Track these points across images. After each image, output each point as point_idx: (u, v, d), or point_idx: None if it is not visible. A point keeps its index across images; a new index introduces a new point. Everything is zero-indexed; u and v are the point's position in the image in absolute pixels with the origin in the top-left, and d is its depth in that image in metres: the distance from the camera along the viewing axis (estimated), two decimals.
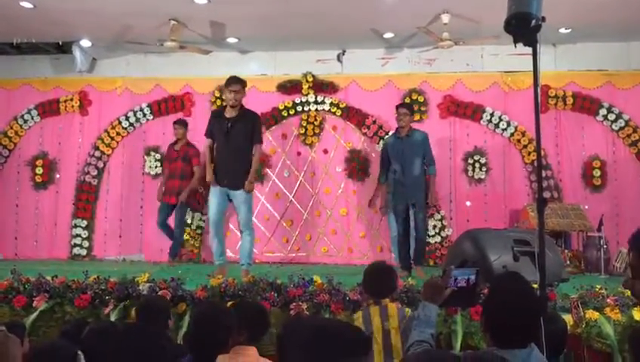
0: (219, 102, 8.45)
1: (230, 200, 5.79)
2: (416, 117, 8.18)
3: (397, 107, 6.54)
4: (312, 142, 8.37)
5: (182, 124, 7.62)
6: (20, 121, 8.73)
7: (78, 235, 8.42)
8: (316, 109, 8.37)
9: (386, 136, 7.31)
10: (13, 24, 7.38)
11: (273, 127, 8.40)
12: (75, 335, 3.37)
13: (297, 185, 8.34)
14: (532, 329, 2.20)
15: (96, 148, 8.55)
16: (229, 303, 4.07)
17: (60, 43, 8.28)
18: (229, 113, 5.65)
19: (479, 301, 2.77)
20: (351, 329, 1.82)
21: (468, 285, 2.51)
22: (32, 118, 8.74)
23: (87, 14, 7.08)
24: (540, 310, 2.25)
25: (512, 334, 2.16)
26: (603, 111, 7.99)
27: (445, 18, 6.90)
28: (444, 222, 7.99)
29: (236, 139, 5.60)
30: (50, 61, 8.79)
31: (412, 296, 4.30)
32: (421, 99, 8.24)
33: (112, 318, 4.38)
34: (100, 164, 8.56)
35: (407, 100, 8.20)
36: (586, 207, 7.62)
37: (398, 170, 6.35)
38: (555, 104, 8.08)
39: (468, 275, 2.52)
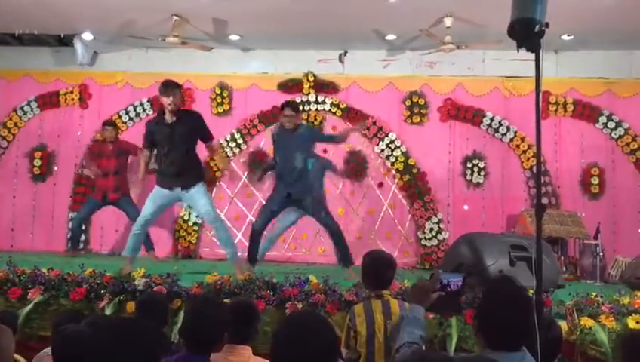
0: (219, 98, 8.45)
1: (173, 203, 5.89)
2: (417, 119, 8.23)
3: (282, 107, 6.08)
4: None
5: (113, 125, 7.78)
6: (20, 113, 8.71)
7: None
8: (317, 109, 8.37)
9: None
10: (15, 15, 7.36)
11: (273, 126, 8.38)
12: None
13: None
14: (524, 332, 2.22)
15: (95, 141, 8.53)
16: (226, 300, 4.08)
17: (62, 35, 8.27)
18: (170, 118, 5.53)
19: (469, 307, 2.76)
20: (317, 317, 1.98)
21: (455, 290, 2.52)
22: (32, 110, 8.73)
23: (90, 7, 7.07)
24: (531, 313, 2.26)
25: (504, 336, 2.17)
26: (603, 119, 8.00)
27: (448, 21, 6.90)
28: (441, 225, 8.00)
29: (181, 142, 5.51)
30: (52, 53, 8.77)
31: (408, 298, 4.30)
32: (422, 102, 8.24)
33: (107, 312, 4.38)
34: None
35: (408, 103, 8.22)
36: (584, 214, 7.63)
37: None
38: (556, 110, 8.09)
39: (455, 280, 2.53)
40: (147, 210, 5.65)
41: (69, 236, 8.00)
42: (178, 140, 5.49)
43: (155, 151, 5.66)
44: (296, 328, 1.90)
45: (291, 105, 6.15)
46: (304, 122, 7.48)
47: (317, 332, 1.87)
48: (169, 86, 5.49)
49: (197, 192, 5.58)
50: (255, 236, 6.04)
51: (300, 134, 6.00)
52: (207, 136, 5.70)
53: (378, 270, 3.34)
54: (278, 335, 1.90)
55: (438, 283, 2.50)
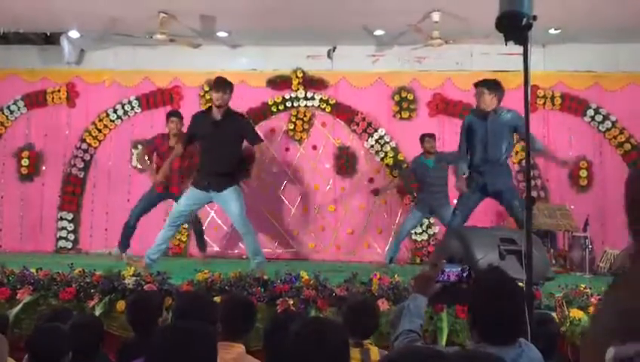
0: (208, 95, 8.41)
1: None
2: (405, 115, 8.24)
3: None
4: (301, 138, 8.36)
5: (177, 116, 6.92)
6: (6, 112, 8.64)
7: (63, 228, 8.36)
8: (306, 105, 8.36)
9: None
10: (0, 13, 7.29)
11: (262, 123, 8.37)
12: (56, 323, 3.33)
13: (285, 181, 8.32)
14: (519, 323, 2.22)
15: (83, 140, 8.49)
16: (216, 298, 4.07)
17: (48, 34, 8.20)
18: (216, 115, 5.57)
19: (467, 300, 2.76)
20: (334, 325, 1.92)
21: (458, 280, 2.52)
22: (19, 109, 8.65)
23: (76, 5, 7.01)
24: (524, 302, 2.27)
25: (498, 329, 2.17)
26: (590, 112, 8.05)
27: (436, 16, 6.91)
28: (431, 220, 8.01)
29: (223, 141, 5.51)
30: (38, 52, 8.69)
31: (399, 293, 4.31)
32: (410, 97, 8.25)
33: (97, 312, 4.35)
34: (87, 157, 8.50)
35: (397, 98, 8.23)
36: (572, 207, 7.68)
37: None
38: (544, 104, 8.12)
39: (458, 271, 2.54)
40: (180, 208, 5.72)
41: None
42: (220, 139, 5.50)
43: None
44: (316, 330, 1.91)
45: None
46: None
47: (336, 333, 1.87)
48: (221, 84, 5.55)
49: (230, 193, 5.57)
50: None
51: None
52: (252, 140, 5.67)
53: (358, 320, 3.10)
54: (298, 337, 1.89)
55: (440, 274, 2.51)
